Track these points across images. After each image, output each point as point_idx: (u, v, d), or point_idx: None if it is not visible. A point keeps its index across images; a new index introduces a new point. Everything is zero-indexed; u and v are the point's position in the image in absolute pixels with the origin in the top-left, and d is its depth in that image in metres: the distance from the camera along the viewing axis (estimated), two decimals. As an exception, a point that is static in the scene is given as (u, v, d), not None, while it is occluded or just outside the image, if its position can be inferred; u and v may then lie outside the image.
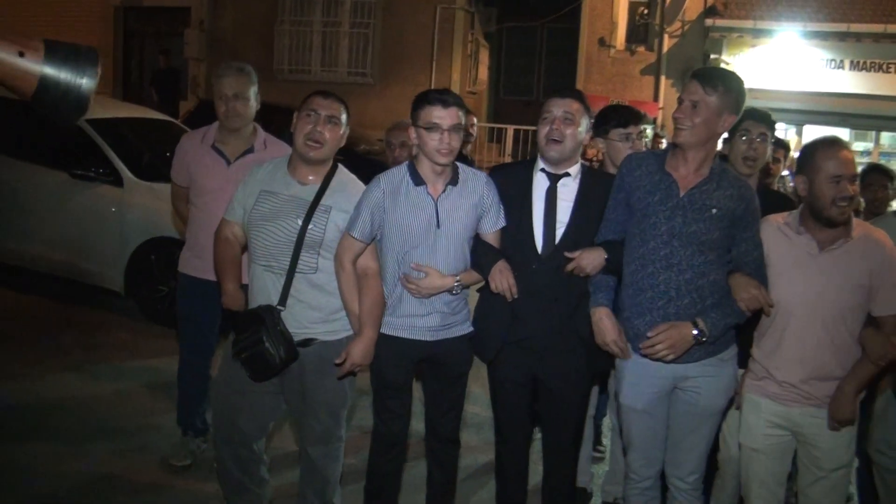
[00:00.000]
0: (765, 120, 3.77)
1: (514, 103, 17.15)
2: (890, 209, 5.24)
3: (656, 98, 15.02)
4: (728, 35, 14.10)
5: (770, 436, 3.28)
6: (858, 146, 14.48)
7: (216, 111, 4.11)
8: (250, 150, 4.16)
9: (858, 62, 13.93)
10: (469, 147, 6.92)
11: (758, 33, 13.98)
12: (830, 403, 3.15)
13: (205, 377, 4.35)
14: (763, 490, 3.34)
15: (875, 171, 5.63)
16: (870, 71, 13.93)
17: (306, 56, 16.32)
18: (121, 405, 5.16)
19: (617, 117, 4.11)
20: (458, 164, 3.43)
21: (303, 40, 16.32)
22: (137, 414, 5.05)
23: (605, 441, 4.94)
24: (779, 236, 3.24)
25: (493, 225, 3.43)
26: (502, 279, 3.30)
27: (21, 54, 1.77)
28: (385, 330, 3.38)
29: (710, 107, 3.08)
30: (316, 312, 3.38)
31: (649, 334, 3.09)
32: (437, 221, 3.31)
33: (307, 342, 3.35)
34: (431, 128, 3.23)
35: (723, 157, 3.76)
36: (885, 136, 14.95)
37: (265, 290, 3.35)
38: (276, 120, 6.76)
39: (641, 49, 15.31)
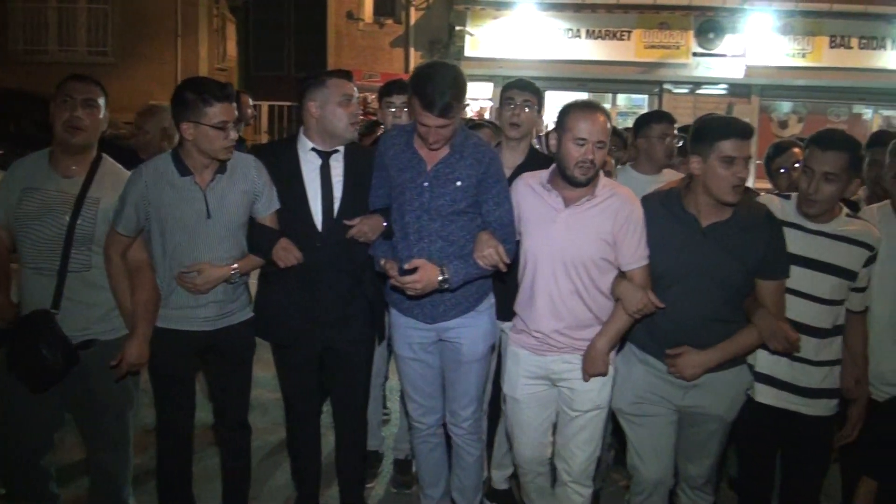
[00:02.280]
0: (528, 88, 3.89)
1: (266, 79, 16.83)
2: None
3: (407, 70, 15.13)
4: (472, 7, 14.47)
5: (529, 385, 3.38)
6: None
7: None
8: None
9: (594, 31, 14.79)
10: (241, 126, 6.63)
11: (500, 5, 14.47)
12: (584, 358, 3.24)
13: None
14: (524, 437, 3.44)
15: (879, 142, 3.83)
16: (605, 39, 14.84)
17: (42, 35, 15.13)
18: None
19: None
20: None
21: (37, 17, 15.10)
22: None
23: (390, 404, 5.10)
24: (530, 193, 3.32)
25: (267, 208, 3.38)
26: (287, 255, 3.31)
27: None
28: (161, 323, 3.28)
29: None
30: (93, 311, 3.22)
31: (406, 266, 3.21)
32: (208, 212, 3.21)
33: (87, 344, 3.19)
34: (221, 126, 3.14)
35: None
36: (621, 98, 16.19)
37: (37, 294, 3.16)
38: (14, 106, 6.12)
39: (390, 22, 15.48)
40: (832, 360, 3.19)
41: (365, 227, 3.38)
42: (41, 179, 3.18)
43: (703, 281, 3.09)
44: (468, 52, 14.70)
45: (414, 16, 15.23)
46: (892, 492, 2.90)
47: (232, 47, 16.79)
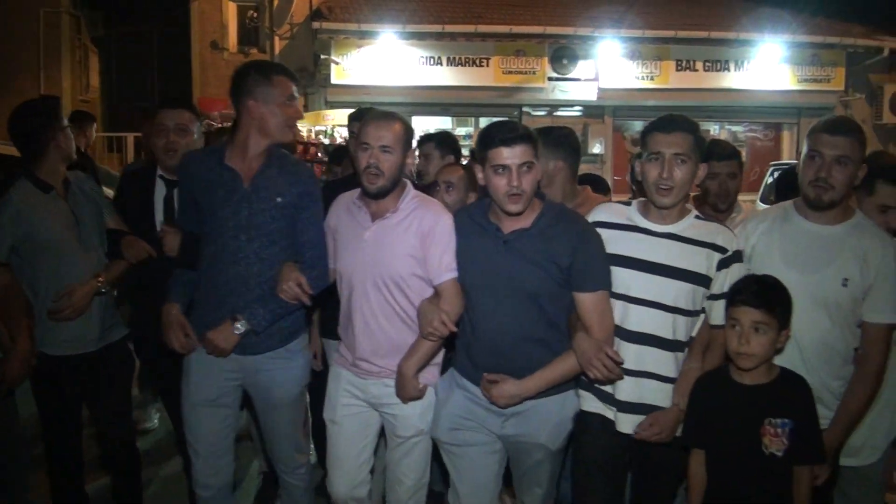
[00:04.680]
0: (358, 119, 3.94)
1: (130, 110, 16.66)
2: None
3: (273, 98, 15.31)
4: (335, 36, 14.69)
5: (348, 406, 3.25)
6: (461, 130, 16.03)
7: None
8: None
9: (454, 58, 15.21)
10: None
11: (363, 35, 14.71)
12: (395, 382, 3.11)
13: None
14: (340, 468, 3.26)
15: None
16: (465, 66, 15.29)
17: None
18: None
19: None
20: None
21: None
22: None
23: None
24: (344, 211, 3.23)
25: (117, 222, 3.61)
26: (135, 251, 3.50)
27: None
28: (45, 349, 3.38)
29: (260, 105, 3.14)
30: None
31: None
32: (77, 223, 3.43)
33: None
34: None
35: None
36: (483, 121, 16.49)
37: None
38: None
39: (254, 51, 15.63)
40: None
41: (165, 246, 3.33)
42: None
43: (508, 293, 2.92)
44: (334, 80, 14.93)
45: (278, 45, 15.35)
46: (716, 455, 2.87)
47: (95, 78, 16.63)
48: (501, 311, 2.95)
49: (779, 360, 2.86)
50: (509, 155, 2.85)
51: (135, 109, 16.52)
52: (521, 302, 2.93)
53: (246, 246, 3.12)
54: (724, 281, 2.88)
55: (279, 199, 3.12)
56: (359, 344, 3.16)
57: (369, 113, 3.22)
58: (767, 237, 3.06)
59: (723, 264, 2.89)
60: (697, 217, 2.99)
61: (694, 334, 2.98)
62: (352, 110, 4.35)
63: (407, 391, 3.09)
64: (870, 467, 3.18)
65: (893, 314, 2.92)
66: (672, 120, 2.92)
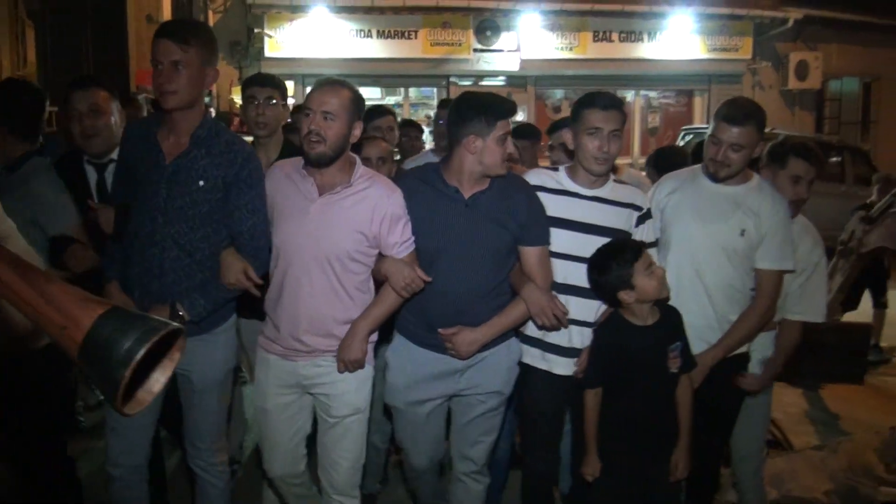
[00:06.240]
0: (269, 83, 3.84)
1: (66, 83, 16.81)
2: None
3: (207, 71, 15.68)
4: (268, 10, 15.27)
5: (280, 395, 3.16)
6: (390, 100, 16.37)
7: None
8: None
9: (384, 31, 15.83)
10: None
11: (295, 9, 15.31)
12: (341, 344, 3.05)
13: None
14: (276, 453, 3.23)
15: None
16: (394, 38, 15.88)
17: None
18: None
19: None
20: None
21: None
22: None
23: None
24: (285, 180, 3.07)
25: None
26: (78, 261, 3.23)
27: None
28: None
29: (193, 63, 2.89)
30: None
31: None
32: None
33: None
34: None
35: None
36: (413, 91, 17.16)
37: None
38: None
39: (189, 24, 15.80)
40: None
41: (101, 217, 3.08)
42: None
43: (471, 251, 3.07)
44: (268, 53, 15.36)
45: (212, 18, 15.69)
46: (613, 394, 3.17)
47: (32, 53, 16.82)
48: (467, 268, 3.08)
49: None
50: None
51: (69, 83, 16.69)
52: (482, 259, 3.10)
53: (162, 228, 2.94)
54: (641, 234, 3.30)
55: (202, 183, 2.93)
56: (295, 321, 3.05)
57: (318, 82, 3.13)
58: (680, 195, 3.48)
59: (640, 220, 3.30)
60: (616, 181, 3.36)
61: None
62: (287, 82, 4.24)
63: (353, 352, 3.02)
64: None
65: (780, 262, 3.40)
66: (610, 98, 3.25)
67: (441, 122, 4.72)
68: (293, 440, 3.19)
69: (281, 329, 3.07)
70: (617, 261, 3.11)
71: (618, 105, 3.24)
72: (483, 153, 3.03)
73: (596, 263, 3.17)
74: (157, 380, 1.27)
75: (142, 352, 1.15)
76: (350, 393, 3.09)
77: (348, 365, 3.04)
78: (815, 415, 6.24)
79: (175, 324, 1.22)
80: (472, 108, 3.06)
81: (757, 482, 3.91)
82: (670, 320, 3.23)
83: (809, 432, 5.84)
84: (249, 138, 3.81)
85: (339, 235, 2.97)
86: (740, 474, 3.87)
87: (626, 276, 3.09)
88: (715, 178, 3.40)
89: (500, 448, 3.74)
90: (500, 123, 3.02)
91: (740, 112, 3.30)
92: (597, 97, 3.23)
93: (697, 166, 3.60)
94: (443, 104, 5.06)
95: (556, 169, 3.38)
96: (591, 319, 3.30)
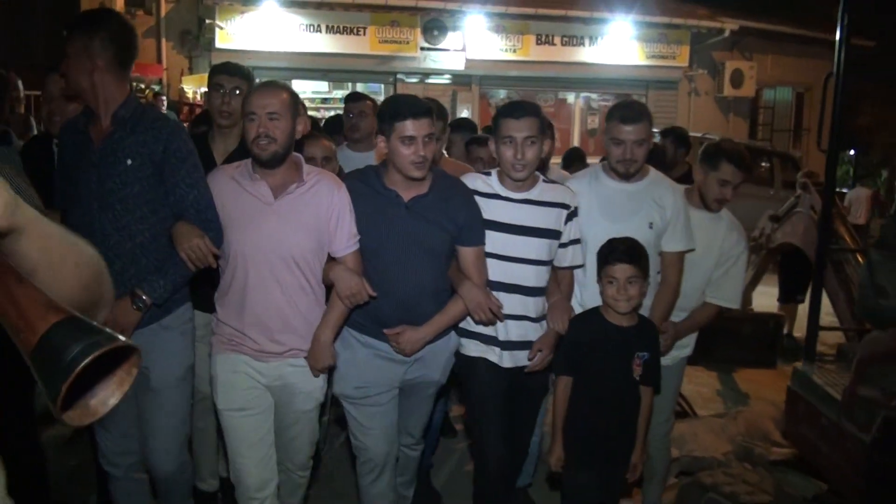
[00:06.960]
0: (238, 73, 3.79)
1: (15, 68, 16.83)
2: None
3: (159, 60, 15.95)
4: (220, 2, 15.46)
5: (251, 390, 3.15)
6: (338, 94, 16.63)
7: None
8: None
9: (333, 26, 16.15)
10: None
11: (246, 1, 15.53)
12: (310, 353, 3.12)
13: None
14: (250, 457, 3.18)
15: None
16: (343, 34, 16.21)
17: None
18: None
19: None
20: None
21: None
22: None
23: None
24: (232, 185, 3.06)
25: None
26: None
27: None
28: None
29: (80, 55, 2.94)
30: None
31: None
32: None
33: None
34: None
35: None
36: (360, 86, 17.10)
37: None
38: None
39: (140, 13, 16.05)
40: (545, 316, 3.44)
41: None
42: None
43: (414, 252, 3.16)
44: (219, 45, 15.53)
45: (164, 8, 15.91)
46: (589, 381, 3.31)
47: (-19, 35, 16.84)
48: (409, 269, 3.18)
49: None
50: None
51: (21, 67, 16.76)
52: (425, 260, 3.20)
53: (99, 215, 2.90)
54: (570, 232, 3.40)
55: (129, 162, 2.88)
56: (266, 323, 3.07)
57: (253, 86, 3.17)
58: (587, 197, 3.56)
59: (569, 218, 3.39)
60: (545, 181, 3.42)
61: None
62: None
63: (324, 359, 3.12)
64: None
65: (681, 244, 3.61)
66: (521, 106, 3.33)
67: (351, 115, 4.91)
68: (266, 439, 3.21)
69: (248, 333, 3.08)
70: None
71: (532, 112, 3.28)
72: (392, 154, 3.10)
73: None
74: (114, 394, 1.25)
75: (82, 364, 1.13)
76: (317, 389, 3.21)
77: (322, 371, 3.17)
78: (726, 393, 6.73)
79: (127, 341, 1.19)
80: (380, 111, 3.23)
81: (665, 443, 4.13)
82: (644, 329, 3.38)
83: (718, 408, 6.24)
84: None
85: (303, 233, 3.04)
86: (651, 438, 3.85)
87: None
88: (626, 177, 3.53)
89: (434, 419, 4.02)
90: (399, 125, 3.04)
91: (634, 111, 3.48)
92: (511, 107, 3.35)
93: (597, 167, 3.76)
94: (350, 98, 5.16)
95: (489, 174, 3.46)
96: (528, 314, 3.41)
